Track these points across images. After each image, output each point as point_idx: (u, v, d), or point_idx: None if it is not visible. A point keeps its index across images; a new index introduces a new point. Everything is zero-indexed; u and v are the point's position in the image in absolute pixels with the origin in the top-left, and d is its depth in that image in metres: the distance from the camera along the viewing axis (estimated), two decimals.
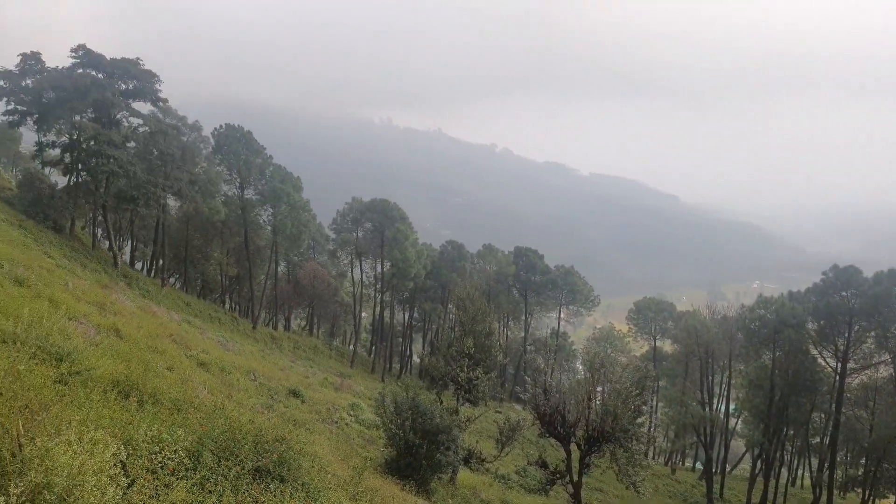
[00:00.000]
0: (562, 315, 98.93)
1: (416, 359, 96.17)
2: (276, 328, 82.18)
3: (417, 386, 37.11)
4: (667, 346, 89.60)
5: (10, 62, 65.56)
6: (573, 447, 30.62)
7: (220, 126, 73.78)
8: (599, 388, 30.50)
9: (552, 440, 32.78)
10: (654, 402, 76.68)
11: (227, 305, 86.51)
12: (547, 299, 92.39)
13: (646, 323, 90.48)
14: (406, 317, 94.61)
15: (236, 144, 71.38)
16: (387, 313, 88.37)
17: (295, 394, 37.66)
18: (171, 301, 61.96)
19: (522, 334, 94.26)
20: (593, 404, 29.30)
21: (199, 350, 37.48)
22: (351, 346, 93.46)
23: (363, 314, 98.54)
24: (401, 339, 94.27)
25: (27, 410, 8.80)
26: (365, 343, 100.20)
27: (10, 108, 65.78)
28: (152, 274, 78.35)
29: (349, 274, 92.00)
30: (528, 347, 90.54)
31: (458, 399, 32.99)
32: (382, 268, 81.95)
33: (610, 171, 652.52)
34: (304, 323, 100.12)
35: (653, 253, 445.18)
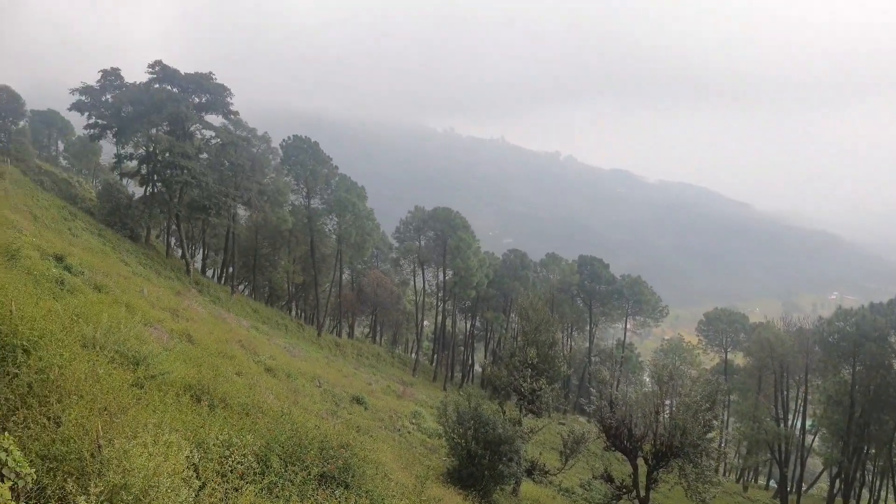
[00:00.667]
0: (628, 326, 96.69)
1: (477, 368, 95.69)
2: (340, 335, 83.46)
3: (480, 395, 36.92)
4: (738, 359, 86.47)
5: (92, 78, 69.29)
6: (640, 462, 29.83)
7: (288, 137, 75.81)
8: (668, 402, 29.64)
9: (618, 454, 32.09)
10: (725, 417, 73.91)
11: (293, 312, 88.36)
12: (612, 309, 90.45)
13: (716, 335, 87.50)
14: (468, 325, 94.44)
15: (303, 155, 73.20)
16: (449, 322, 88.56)
17: (358, 401, 38.07)
18: (240, 308, 63.69)
19: (587, 345, 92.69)
20: (661, 418, 28.49)
21: (267, 356, 38.38)
22: (413, 355, 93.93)
23: (425, 322, 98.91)
24: (462, 348, 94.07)
25: (106, 413, 9.14)
26: (427, 351, 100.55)
27: (91, 121, 69.51)
28: (222, 281, 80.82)
29: (412, 282, 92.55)
30: (593, 358, 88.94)
31: (521, 410, 32.63)
32: (444, 276, 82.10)
33: (678, 178, 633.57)
34: (367, 330, 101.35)
35: (723, 262, 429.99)
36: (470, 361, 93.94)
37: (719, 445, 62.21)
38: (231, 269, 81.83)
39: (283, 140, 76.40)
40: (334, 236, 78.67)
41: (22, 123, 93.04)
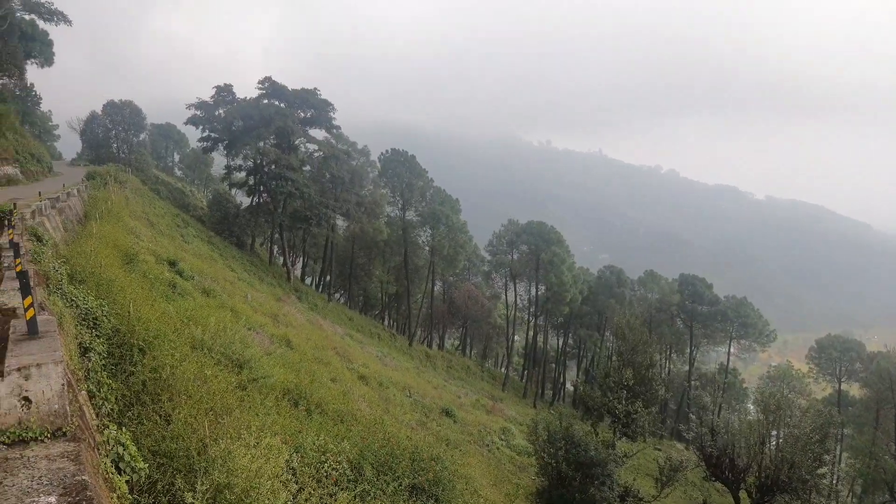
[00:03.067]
0: (732, 350, 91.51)
1: (569, 386, 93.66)
2: (430, 346, 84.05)
3: (571, 415, 36.17)
4: (854, 389, 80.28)
5: (205, 93, 73.75)
6: (742, 495, 28.17)
7: (386, 151, 77.54)
8: (774, 433, 27.84)
9: (718, 485, 30.46)
10: (838, 452, 68.73)
11: (385, 322, 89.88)
12: (715, 332, 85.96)
13: (829, 363, 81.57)
14: (560, 342, 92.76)
15: (400, 168, 74.64)
16: (540, 338, 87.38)
17: (448, 413, 38.04)
18: (336, 315, 65.32)
19: (686, 368, 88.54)
20: (767, 449, 26.79)
21: (360, 364, 39.15)
22: (503, 369, 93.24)
23: (516, 337, 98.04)
24: (554, 365, 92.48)
25: (212, 413, 9.46)
26: (517, 367, 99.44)
27: (204, 135, 74.08)
28: (320, 289, 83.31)
29: (503, 296, 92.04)
30: (693, 383, 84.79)
31: (614, 432, 31.60)
32: (537, 291, 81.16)
33: (789, 194, 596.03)
34: (457, 342, 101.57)
35: (838, 285, 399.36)
36: (561, 379, 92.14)
37: (831, 482, 57.97)
38: (328, 278, 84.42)
39: (381, 153, 78.26)
40: (427, 248, 79.55)
41: (143, 136, 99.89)
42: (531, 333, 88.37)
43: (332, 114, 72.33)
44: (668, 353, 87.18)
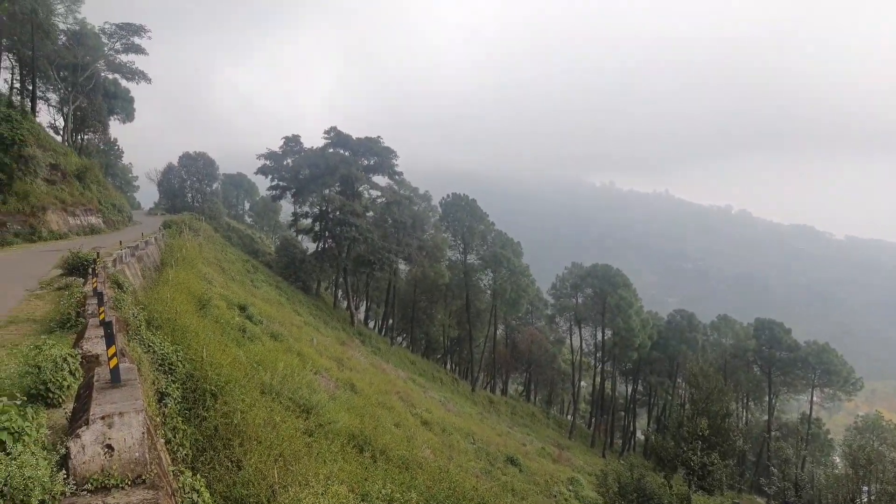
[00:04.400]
0: (814, 398, 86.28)
1: (640, 436, 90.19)
2: (493, 391, 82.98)
3: (643, 466, 34.78)
4: None
5: (273, 143, 77.06)
6: None
7: (447, 195, 78.43)
8: (865, 488, 25.99)
9: None
10: None
11: (448, 366, 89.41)
12: (795, 379, 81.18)
13: None
14: (629, 389, 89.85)
15: (461, 212, 75.27)
16: (608, 384, 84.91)
17: (512, 461, 37.24)
18: (398, 359, 65.43)
19: (765, 417, 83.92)
20: None
21: (423, 409, 38.93)
22: (569, 416, 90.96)
23: (582, 383, 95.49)
24: (623, 413, 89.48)
25: (281, 459, 9.55)
26: (584, 414, 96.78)
27: (273, 183, 77.39)
28: (383, 332, 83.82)
29: (568, 340, 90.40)
30: (773, 433, 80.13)
31: (689, 485, 30.13)
32: (603, 336, 79.28)
33: (871, 234, 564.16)
34: (520, 388, 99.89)
35: None
36: (631, 428, 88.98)
37: None
38: (391, 321, 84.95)
39: (442, 197, 79.19)
40: (489, 291, 79.29)
41: (215, 185, 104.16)
42: (598, 379, 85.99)
43: (394, 160, 74.01)
44: (744, 401, 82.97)
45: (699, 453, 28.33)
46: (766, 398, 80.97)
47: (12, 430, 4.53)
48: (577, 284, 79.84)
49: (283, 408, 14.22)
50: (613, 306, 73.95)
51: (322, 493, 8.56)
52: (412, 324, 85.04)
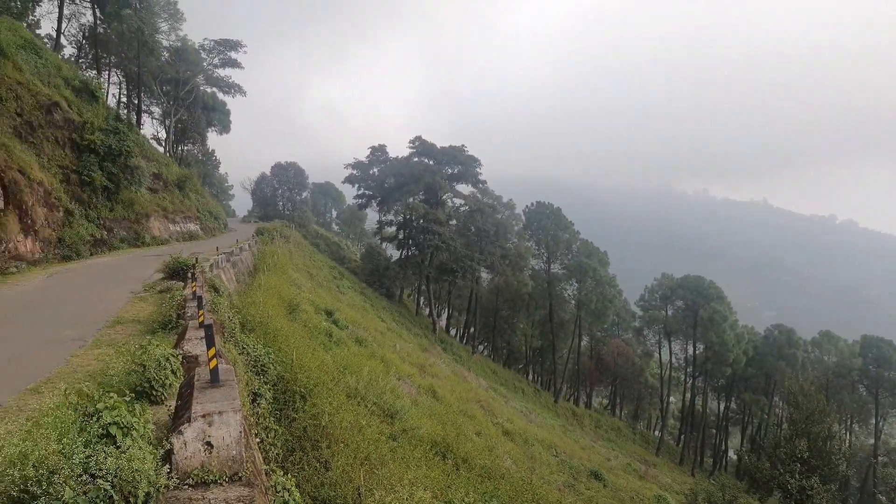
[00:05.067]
0: None
1: (732, 455, 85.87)
2: (577, 404, 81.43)
3: (735, 487, 33.15)
4: None
5: (360, 153, 79.24)
6: None
7: (531, 203, 77.92)
8: None
9: None
10: None
11: (529, 376, 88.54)
12: None
13: None
14: (721, 406, 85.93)
15: (545, 220, 74.58)
16: (698, 400, 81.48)
17: (596, 476, 36.40)
18: (480, 367, 65.33)
19: (871, 441, 78.45)
20: None
21: (505, 419, 38.67)
22: (656, 432, 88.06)
23: (671, 399, 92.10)
24: (714, 431, 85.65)
25: (367, 462, 9.69)
26: (672, 430, 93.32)
27: (360, 192, 79.42)
28: (464, 340, 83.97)
29: (656, 354, 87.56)
30: (880, 458, 74.82)
31: None
32: (695, 350, 76.24)
33: None
34: (605, 401, 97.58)
35: None
36: (723, 447, 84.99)
37: None
38: (472, 330, 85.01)
39: (526, 206, 78.70)
40: (573, 302, 78.01)
41: (305, 194, 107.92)
42: (688, 395, 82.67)
43: (478, 169, 74.41)
44: (848, 423, 77.69)
45: (797, 476, 26.73)
46: (873, 421, 75.56)
47: (122, 425, 4.78)
48: (666, 296, 77.24)
49: (368, 412, 14.45)
50: (706, 319, 71.01)
51: (407, 499, 8.62)
52: (494, 333, 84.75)
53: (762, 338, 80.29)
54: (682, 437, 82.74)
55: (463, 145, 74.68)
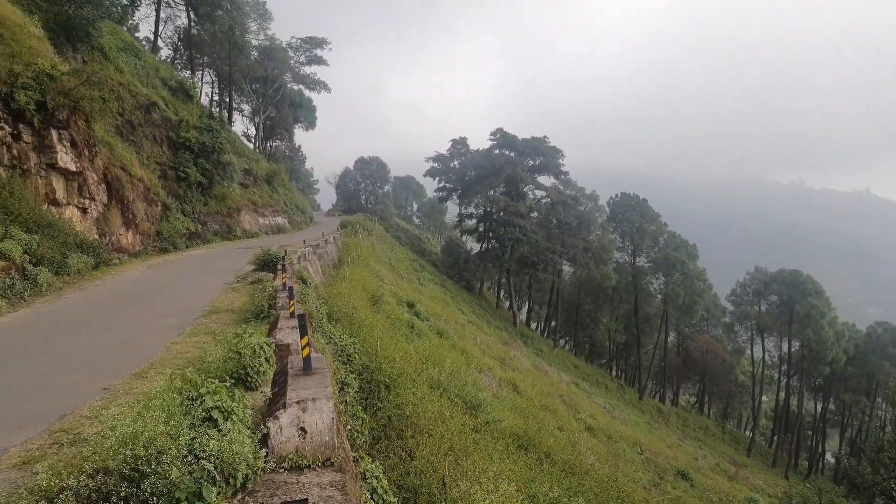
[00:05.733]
0: None
1: (829, 458, 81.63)
2: (662, 401, 79.25)
3: (833, 492, 31.53)
4: None
5: (441, 146, 79.72)
6: None
7: (616, 195, 76.25)
8: None
9: None
10: None
11: (613, 372, 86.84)
12: None
13: None
14: (818, 407, 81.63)
15: (630, 212, 72.77)
16: (793, 400, 77.63)
17: (683, 475, 35.38)
18: (561, 362, 64.62)
19: None
20: None
21: (587, 414, 38.10)
22: (747, 432, 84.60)
23: (763, 398, 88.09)
24: (810, 433, 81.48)
25: (451, 453, 9.76)
26: (764, 431, 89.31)
27: (440, 185, 79.90)
28: (545, 334, 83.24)
29: (748, 351, 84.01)
30: None
31: None
32: (790, 348, 72.54)
33: None
34: (692, 399, 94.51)
35: None
36: (819, 449, 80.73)
37: None
38: (554, 323, 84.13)
39: (611, 197, 77.07)
40: (660, 296, 75.85)
41: (387, 187, 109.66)
42: (782, 394, 78.91)
43: (560, 160, 73.36)
44: None
45: None
46: None
47: (223, 409, 5.01)
48: (760, 291, 73.82)
49: (451, 403, 14.56)
50: (802, 316, 67.44)
51: (492, 491, 8.63)
52: (576, 327, 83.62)
53: (864, 335, 75.71)
54: (775, 437, 79.11)
55: (545, 136, 73.81)
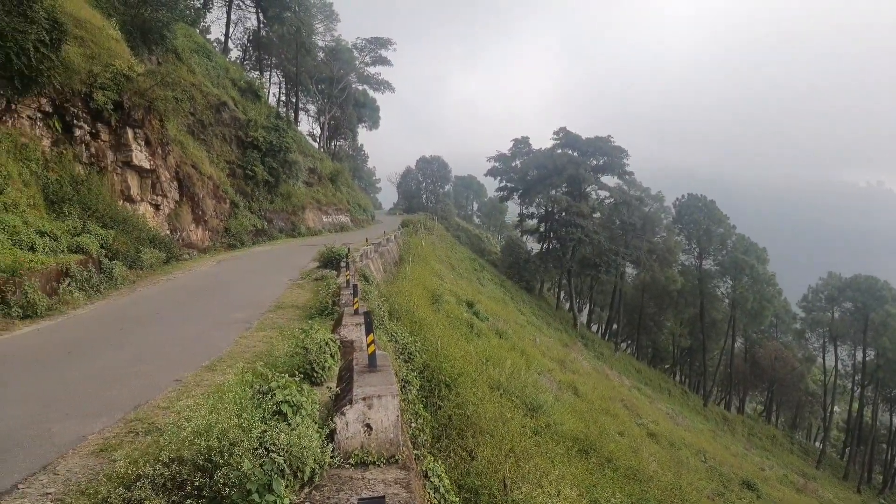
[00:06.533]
0: None
1: None
2: (728, 409, 76.86)
3: None
4: None
5: (502, 146, 79.48)
6: None
7: (682, 196, 74.43)
8: None
9: None
10: None
11: (676, 377, 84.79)
12: None
13: None
14: (895, 419, 77.89)
15: (697, 214, 70.91)
16: (867, 411, 74.13)
17: (749, 486, 34.23)
18: (623, 366, 63.51)
19: None
20: None
21: (649, 420, 37.28)
22: (818, 444, 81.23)
23: (836, 408, 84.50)
24: (885, 446, 77.51)
25: (512, 455, 9.70)
26: (836, 442, 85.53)
27: (501, 185, 79.72)
28: (606, 337, 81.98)
29: (819, 359, 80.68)
30: None
31: None
32: (864, 357, 69.25)
33: None
34: (759, 407, 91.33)
35: None
36: (895, 464, 76.92)
37: None
38: (615, 326, 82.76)
39: (677, 198, 75.25)
40: (727, 300, 73.65)
41: (447, 187, 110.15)
42: (855, 405, 75.37)
43: (624, 160, 72.15)
44: None
45: None
46: None
47: (292, 403, 5.11)
48: (833, 297, 70.81)
49: (511, 404, 14.48)
50: (878, 323, 64.36)
51: (555, 495, 8.53)
52: (638, 330, 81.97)
53: None
54: (848, 450, 75.65)
55: (609, 136, 72.68)
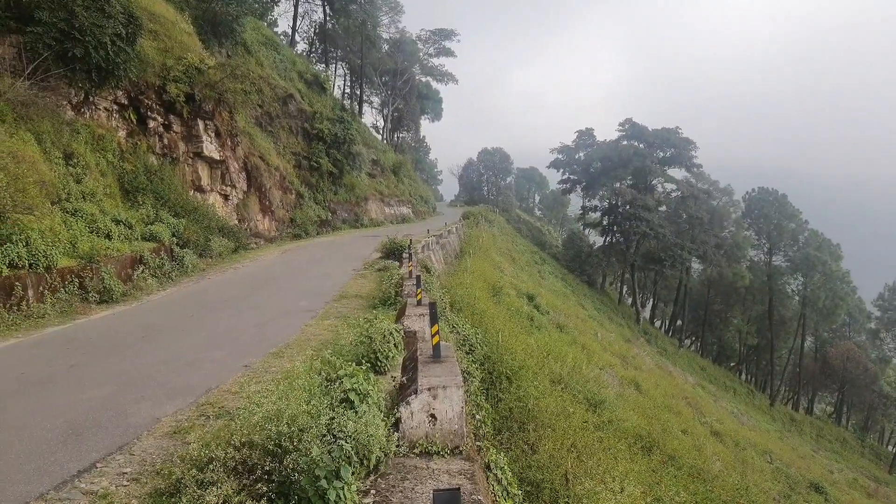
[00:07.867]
0: None
1: None
2: (796, 409, 74.04)
3: None
4: None
5: (565, 138, 78.47)
6: None
7: (752, 189, 71.86)
8: None
9: None
10: None
11: (742, 375, 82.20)
12: None
13: None
14: None
15: (768, 208, 68.33)
16: None
17: (817, 489, 32.98)
18: (686, 363, 62.00)
19: None
20: None
21: (714, 418, 36.33)
22: (891, 447, 77.48)
23: None
24: None
25: (574, 450, 9.59)
26: None
27: (564, 177, 78.68)
28: (670, 333, 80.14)
29: (894, 360, 76.96)
30: None
31: None
32: None
33: None
34: (829, 409, 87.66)
35: None
36: None
37: None
38: (679, 322, 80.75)
39: (746, 192, 72.64)
40: (797, 298, 70.84)
41: (509, 179, 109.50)
42: None
43: (692, 152, 70.20)
44: None
45: None
46: None
47: (359, 392, 5.19)
48: None
49: (572, 399, 14.33)
50: None
51: (618, 492, 8.41)
52: (703, 327, 79.73)
53: None
54: None
55: (677, 127, 70.74)
